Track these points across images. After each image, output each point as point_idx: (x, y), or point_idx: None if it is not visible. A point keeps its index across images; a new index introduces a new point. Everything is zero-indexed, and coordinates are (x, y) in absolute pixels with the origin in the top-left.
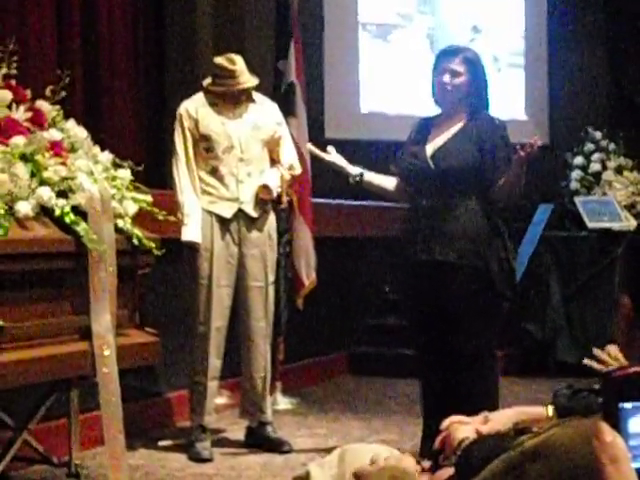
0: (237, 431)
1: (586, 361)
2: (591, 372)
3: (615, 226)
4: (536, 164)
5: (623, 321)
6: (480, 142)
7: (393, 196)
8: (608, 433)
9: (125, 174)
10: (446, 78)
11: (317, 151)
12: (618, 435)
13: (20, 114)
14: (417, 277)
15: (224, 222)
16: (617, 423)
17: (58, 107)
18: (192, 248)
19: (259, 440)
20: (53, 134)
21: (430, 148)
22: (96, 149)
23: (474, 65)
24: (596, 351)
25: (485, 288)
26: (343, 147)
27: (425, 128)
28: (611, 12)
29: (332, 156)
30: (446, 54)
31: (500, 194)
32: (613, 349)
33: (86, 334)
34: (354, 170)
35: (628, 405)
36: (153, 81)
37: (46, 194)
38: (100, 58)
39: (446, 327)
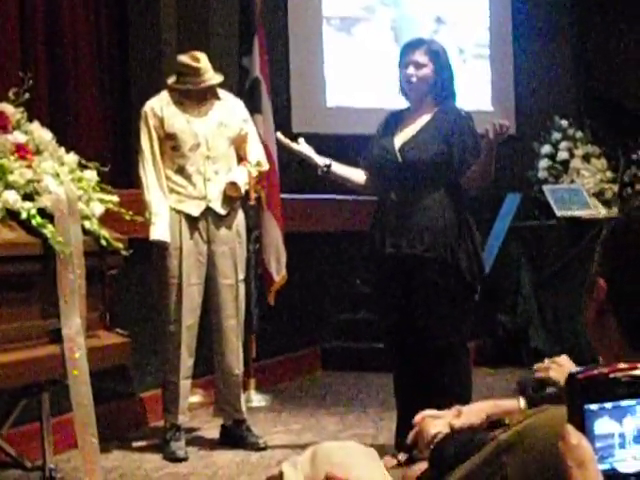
0: (211, 429)
1: (537, 374)
2: None
3: (584, 214)
4: (504, 153)
5: (594, 309)
6: (447, 134)
7: (361, 188)
8: (574, 435)
9: (91, 175)
10: (410, 70)
11: (286, 140)
12: (584, 437)
13: None
14: (386, 271)
15: (192, 220)
16: (582, 425)
17: (22, 109)
18: (161, 247)
19: (234, 438)
20: (17, 137)
21: (398, 141)
22: (61, 151)
23: (438, 56)
24: (546, 361)
25: (454, 280)
26: (310, 141)
27: (394, 121)
28: (577, 1)
29: (301, 146)
30: (410, 46)
31: (470, 184)
32: (564, 359)
33: (56, 337)
34: (322, 160)
35: (594, 407)
36: (118, 81)
37: (12, 197)
38: (64, 59)
39: (417, 320)
